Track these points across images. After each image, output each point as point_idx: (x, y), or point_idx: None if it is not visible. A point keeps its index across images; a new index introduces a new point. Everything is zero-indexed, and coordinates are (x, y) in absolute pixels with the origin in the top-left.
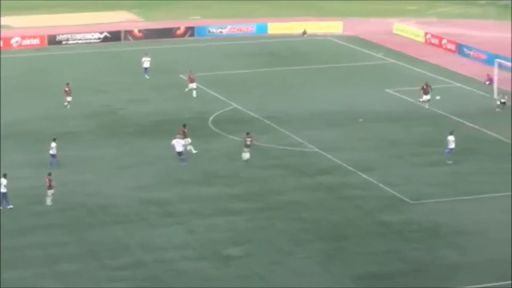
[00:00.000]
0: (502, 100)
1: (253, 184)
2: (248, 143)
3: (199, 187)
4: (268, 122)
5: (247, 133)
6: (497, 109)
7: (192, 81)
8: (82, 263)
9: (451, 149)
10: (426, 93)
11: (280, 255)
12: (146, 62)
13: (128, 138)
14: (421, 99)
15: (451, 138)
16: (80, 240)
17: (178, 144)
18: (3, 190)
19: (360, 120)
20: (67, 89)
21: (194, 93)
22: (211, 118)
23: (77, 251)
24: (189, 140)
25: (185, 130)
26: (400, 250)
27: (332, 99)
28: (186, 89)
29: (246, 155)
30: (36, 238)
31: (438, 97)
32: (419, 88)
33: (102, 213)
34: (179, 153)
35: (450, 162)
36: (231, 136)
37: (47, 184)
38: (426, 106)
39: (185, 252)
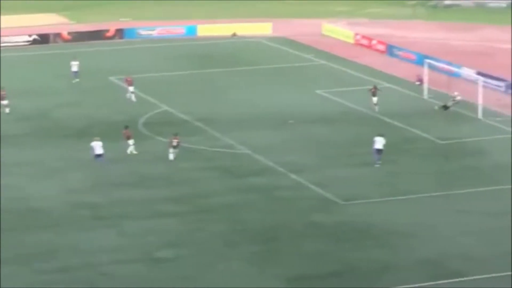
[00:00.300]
0: (447, 104)
1: (185, 186)
2: (175, 144)
3: (131, 189)
4: (198, 124)
5: (174, 134)
6: (436, 107)
7: (130, 84)
8: (12, 267)
9: (378, 150)
10: (374, 95)
11: (213, 257)
12: (75, 66)
13: (60, 141)
14: (374, 103)
15: (378, 139)
16: (9, 244)
17: (97, 146)
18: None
19: (291, 121)
20: (3, 93)
21: (133, 97)
22: (141, 121)
23: (6, 255)
24: (132, 141)
25: (129, 132)
26: (332, 251)
27: (262, 101)
28: (127, 94)
29: (172, 156)
30: None
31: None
32: (368, 89)
33: (32, 216)
34: (98, 156)
35: (378, 164)
36: (161, 139)
37: None
38: (376, 109)
39: (116, 255)
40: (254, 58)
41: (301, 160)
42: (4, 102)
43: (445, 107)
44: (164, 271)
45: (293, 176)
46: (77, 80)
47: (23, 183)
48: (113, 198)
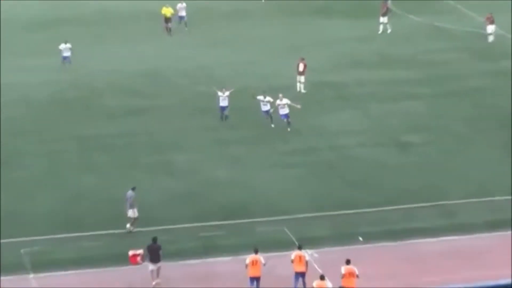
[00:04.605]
0: None
1: (432, 67)
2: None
3: (374, 70)
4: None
5: None
6: None
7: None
8: (255, 147)
9: None
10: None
11: (458, 143)
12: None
13: (304, 18)
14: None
15: None
16: (248, 125)
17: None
18: None
19: None
20: None
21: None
22: None
23: (248, 135)
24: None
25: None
26: None
27: None
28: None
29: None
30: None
31: None
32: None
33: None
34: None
35: None
36: (413, 17)
37: None
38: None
39: (360, 138)
40: None
41: None
42: None
43: None
44: (409, 157)
45: None
46: None
47: (262, 57)
48: (356, 78)
